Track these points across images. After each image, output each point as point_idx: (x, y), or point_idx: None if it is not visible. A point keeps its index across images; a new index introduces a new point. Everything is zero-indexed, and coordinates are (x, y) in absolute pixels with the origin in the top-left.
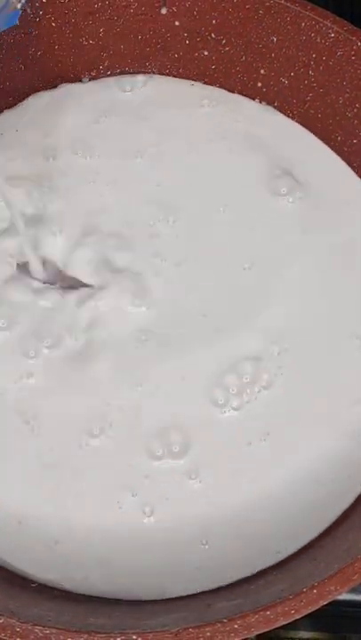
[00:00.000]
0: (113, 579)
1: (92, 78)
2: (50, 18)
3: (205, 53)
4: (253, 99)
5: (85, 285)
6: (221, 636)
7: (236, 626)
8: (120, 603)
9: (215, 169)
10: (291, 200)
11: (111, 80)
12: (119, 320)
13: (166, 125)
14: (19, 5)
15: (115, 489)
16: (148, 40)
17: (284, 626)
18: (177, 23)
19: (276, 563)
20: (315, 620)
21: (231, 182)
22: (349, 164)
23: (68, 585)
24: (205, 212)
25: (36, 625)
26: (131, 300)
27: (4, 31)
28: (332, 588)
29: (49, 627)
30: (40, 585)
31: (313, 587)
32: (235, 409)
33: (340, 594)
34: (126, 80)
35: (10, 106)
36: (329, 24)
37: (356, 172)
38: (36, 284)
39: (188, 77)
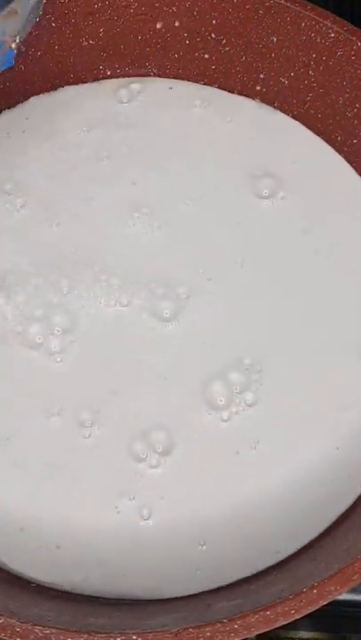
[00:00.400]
0: (113, 579)
1: (93, 79)
2: (50, 18)
3: (205, 54)
4: (253, 99)
5: None
6: (221, 635)
7: (236, 626)
8: (120, 603)
9: (197, 170)
10: (273, 201)
11: (109, 86)
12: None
13: (153, 129)
14: (13, 45)
15: (111, 492)
16: (148, 40)
17: (284, 626)
18: (177, 23)
19: (276, 563)
20: (315, 619)
21: (214, 183)
22: (350, 163)
23: (68, 586)
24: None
25: (36, 625)
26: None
27: None
28: (332, 588)
29: (49, 627)
30: (40, 585)
31: (313, 587)
32: (229, 411)
33: (340, 594)
34: (123, 92)
35: (9, 106)
36: (329, 24)
37: (357, 172)
38: None
39: (187, 78)
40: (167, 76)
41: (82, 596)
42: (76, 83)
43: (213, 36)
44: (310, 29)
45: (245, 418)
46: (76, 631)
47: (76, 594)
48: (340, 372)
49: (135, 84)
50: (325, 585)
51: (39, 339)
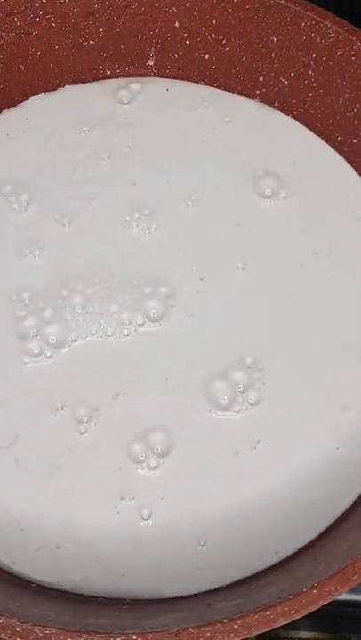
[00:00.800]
0: (113, 579)
1: (93, 79)
2: (50, 18)
3: (205, 54)
4: (253, 99)
5: None
6: (221, 636)
7: (236, 626)
8: (120, 603)
9: (197, 170)
10: (275, 201)
11: (109, 86)
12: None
13: (153, 129)
14: None
15: (111, 492)
16: (148, 40)
17: (284, 626)
18: (177, 24)
19: (276, 563)
20: (315, 619)
21: (214, 183)
22: (350, 163)
23: (68, 586)
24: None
25: (36, 625)
26: (116, 299)
27: (4, 31)
28: (332, 588)
29: (49, 627)
30: (40, 585)
31: (313, 587)
32: (232, 410)
33: (340, 594)
34: (123, 93)
35: (9, 106)
36: (329, 24)
37: (357, 172)
38: None
39: (187, 78)
40: (167, 77)
41: (82, 595)
42: (75, 83)
43: (213, 36)
44: (310, 29)
45: (247, 417)
46: (75, 631)
47: (76, 594)
48: (341, 371)
49: (135, 84)
50: (325, 585)
51: (37, 336)
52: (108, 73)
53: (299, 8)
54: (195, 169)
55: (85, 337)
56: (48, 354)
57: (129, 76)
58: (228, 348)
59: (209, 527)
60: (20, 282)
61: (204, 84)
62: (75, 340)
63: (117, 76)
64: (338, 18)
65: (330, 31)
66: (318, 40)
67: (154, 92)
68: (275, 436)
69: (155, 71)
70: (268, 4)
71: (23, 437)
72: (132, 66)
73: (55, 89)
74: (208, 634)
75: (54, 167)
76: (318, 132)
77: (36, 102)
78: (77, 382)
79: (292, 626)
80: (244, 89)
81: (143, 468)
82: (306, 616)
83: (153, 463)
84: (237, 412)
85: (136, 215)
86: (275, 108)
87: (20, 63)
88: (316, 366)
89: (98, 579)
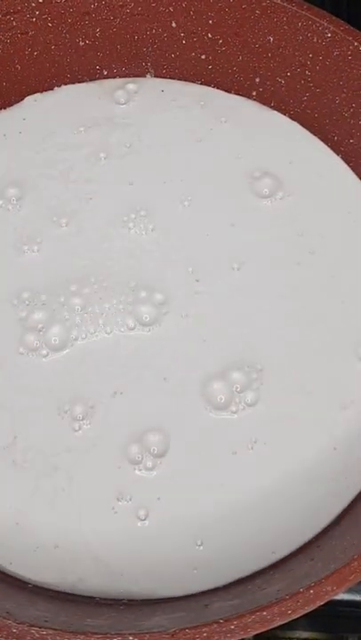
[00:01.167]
0: (110, 580)
1: (90, 79)
2: (46, 18)
3: (202, 54)
4: (250, 99)
5: None
6: (218, 636)
7: (232, 626)
8: (117, 603)
9: (194, 170)
10: (271, 201)
11: (106, 85)
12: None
13: (150, 129)
14: None
15: (108, 492)
16: (145, 40)
17: (281, 626)
18: (173, 23)
19: (273, 563)
20: (312, 619)
21: (210, 183)
22: (347, 163)
23: (64, 586)
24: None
25: (33, 626)
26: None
27: (0, 31)
28: (329, 588)
29: (46, 627)
30: (37, 585)
31: (310, 587)
32: (229, 410)
33: (336, 594)
34: (120, 93)
35: (6, 106)
36: (325, 24)
37: (354, 172)
38: None
39: (184, 78)
40: (164, 76)
41: (79, 596)
42: (72, 82)
43: (210, 35)
44: (307, 29)
45: (244, 417)
46: (72, 632)
47: (73, 594)
48: (338, 371)
49: (131, 85)
50: (322, 585)
51: (38, 337)
52: (105, 73)
53: (295, 8)
54: (191, 169)
55: (85, 337)
56: (46, 353)
57: (126, 76)
58: (225, 349)
59: (206, 527)
60: (19, 281)
61: (200, 83)
62: (75, 340)
63: (114, 76)
64: (334, 17)
65: (326, 31)
66: (315, 40)
67: (151, 91)
68: (272, 436)
69: (151, 71)
70: (264, 3)
71: (22, 438)
72: (129, 66)
73: (52, 89)
74: (205, 634)
75: (51, 167)
76: (315, 132)
77: (33, 102)
78: (75, 382)
79: (290, 626)
80: (240, 89)
81: (140, 469)
82: (303, 616)
83: (150, 464)
84: (235, 412)
85: (133, 216)
86: (271, 107)
87: (17, 63)
88: (314, 366)
89: (95, 579)
